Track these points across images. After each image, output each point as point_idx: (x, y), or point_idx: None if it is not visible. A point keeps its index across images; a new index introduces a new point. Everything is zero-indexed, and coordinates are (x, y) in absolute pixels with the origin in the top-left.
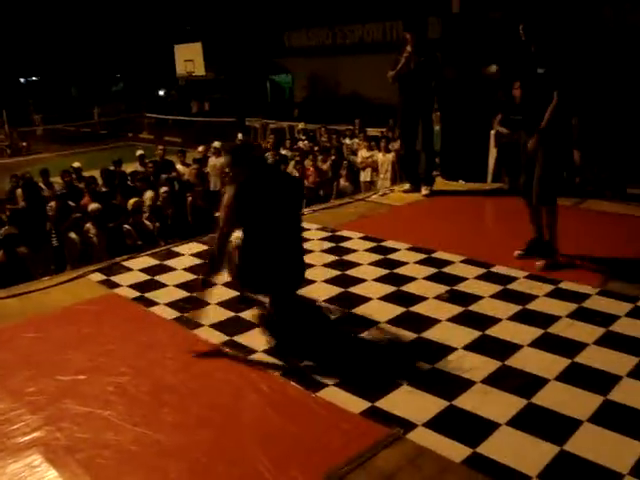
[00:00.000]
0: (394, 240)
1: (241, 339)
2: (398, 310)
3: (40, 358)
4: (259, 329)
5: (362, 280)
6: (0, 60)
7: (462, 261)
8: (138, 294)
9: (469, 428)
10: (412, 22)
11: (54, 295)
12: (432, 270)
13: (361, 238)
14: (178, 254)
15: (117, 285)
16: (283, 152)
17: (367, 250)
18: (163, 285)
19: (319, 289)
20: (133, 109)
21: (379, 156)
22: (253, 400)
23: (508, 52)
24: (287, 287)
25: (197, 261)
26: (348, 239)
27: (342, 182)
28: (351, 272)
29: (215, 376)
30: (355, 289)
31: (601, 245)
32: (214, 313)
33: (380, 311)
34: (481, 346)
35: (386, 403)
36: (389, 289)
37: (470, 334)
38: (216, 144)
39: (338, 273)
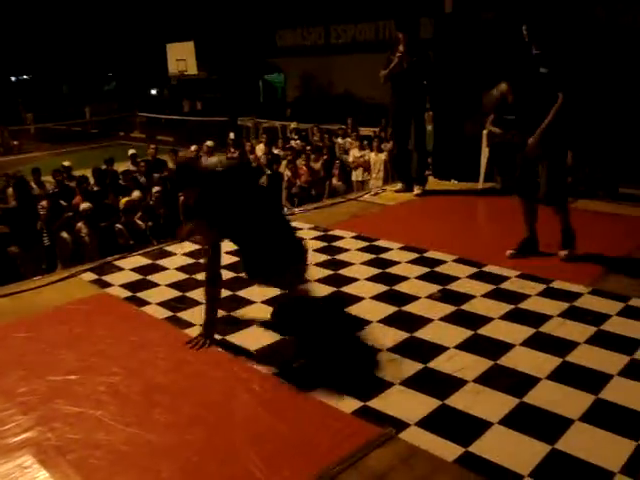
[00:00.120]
0: (386, 239)
1: (233, 338)
2: (390, 309)
3: (31, 358)
4: (252, 328)
5: (354, 279)
6: None
7: (454, 260)
8: (130, 294)
9: (461, 427)
10: (404, 22)
11: (45, 295)
12: (424, 269)
13: (353, 237)
14: (170, 253)
15: (109, 285)
16: (275, 151)
17: (359, 249)
18: (155, 285)
19: (311, 289)
20: (125, 108)
21: (371, 156)
22: (245, 400)
23: (505, 52)
24: (291, 266)
25: (189, 260)
26: (340, 238)
27: (334, 181)
28: (343, 271)
29: (207, 376)
30: (347, 288)
31: (593, 244)
32: None
33: (372, 310)
34: (473, 345)
35: (378, 402)
36: (381, 288)
37: (462, 333)
38: (209, 143)
39: (330, 272)
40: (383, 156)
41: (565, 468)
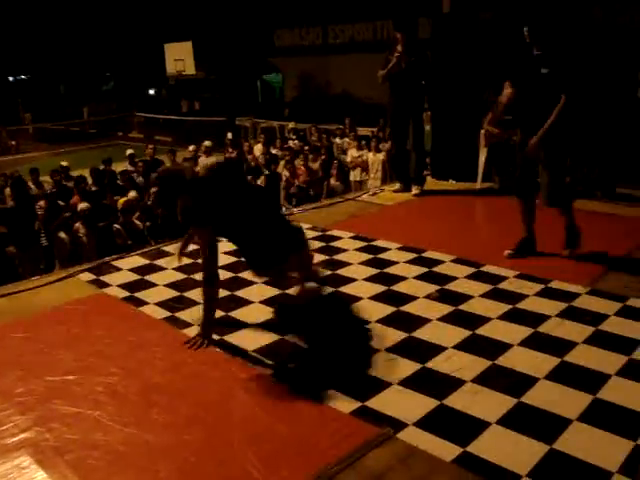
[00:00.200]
0: (384, 239)
1: (231, 339)
2: (388, 309)
3: (29, 358)
4: (250, 328)
5: (352, 279)
6: None
7: (452, 260)
8: (128, 294)
9: (459, 427)
10: (402, 22)
11: (43, 295)
12: (422, 269)
13: (351, 237)
14: (168, 253)
15: (107, 285)
16: (273, 151)
17: (357, 249)
18: (153, 285)
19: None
20: (123, 108)
21: (369, 156)
22: (243, 400)
23: (503, 52)
24: (292, 254)
25: (187, 260)
26: (338, 238)
27: (332, 181)
28: (341, 271)
29: (205, 376)
30: (345, 288)
31: (591, 244)
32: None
33: (370, 310)
34: (471, 345)
35: (376, 403)
36: (379, 288)
37: (460, 333)
38: (207, 143)
39: (328, 273)
40: (381, 156)
41: (563, 468)
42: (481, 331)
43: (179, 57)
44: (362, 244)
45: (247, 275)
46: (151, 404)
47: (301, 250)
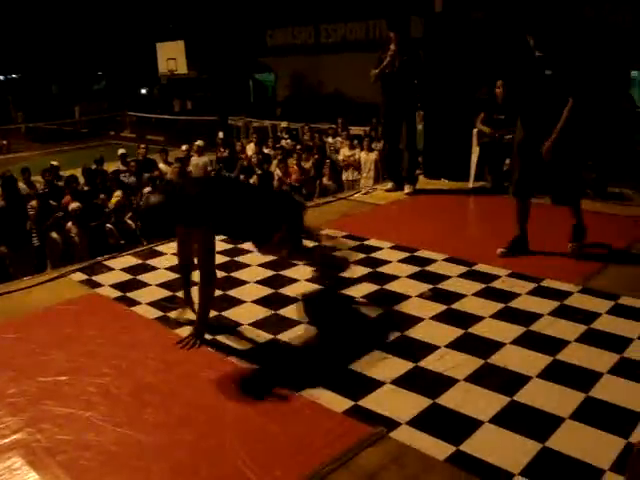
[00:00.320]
0: (377, 239)
1: (224, 338)
2: (381, 308)
3: (21, 359)
4: (243, 327)
5: (345, 279)
6: None
7: (445, 259)
8: (120, 294)
9: (452, 426)
10: (396, 21)
11: (35, 295)
12: (415, 269)
13: (344, 237)
14: (160, 253)
15: (99, 285)
16: (266, 151)
17: (350, 249)
18: (145, 284)
19: (302, 288)
20: (115, 107)
21: (362, 155)
22: (236, 399)
23: (495, 51)
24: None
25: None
26: (331, 238)
27: (325, 181)
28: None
29: (197, 376)
30: (338, 287)
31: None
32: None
33: (363, 310)
34: (464, 344)
35: (369, 402)
36: (372, 287)
37: (453, 332)
38: (199, 143)
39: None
40: (374, 155)
41: (555, 466)
42: (474, 330)
43: (171, 56)
44: (355, 243)
45: (240, 275)
46: (144, 404)
47: (294, 219)
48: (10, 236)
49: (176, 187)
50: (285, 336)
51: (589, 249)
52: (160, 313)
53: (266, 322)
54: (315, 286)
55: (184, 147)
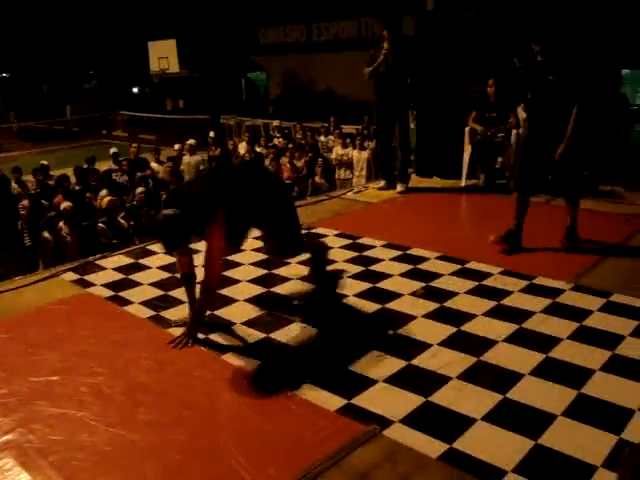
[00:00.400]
0: (369, 237)
1: (217, 337)
2: (374, 307)
3: (12, 359)
4: (235, 326)
5: (338, 277)
6: None
7: (437, 257)
8: (112, 293)
9: (445, 424)
10: (389, 19)
11: (26, 295)
12: (407, 267)
13: (336, 235)
14: (152, 252)
15: (91, 284)
16: (258, 150)
17: (342, 247)
18: (137, 284)
19: (295, 287)
20: (106, 106)
21: (354, 153)
22: (229, 398)
23: (486, 49)
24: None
25: (172, 259)
26: (323, 236)
27: (317, 179)
28: (327, 269)
29: (190, 375)
30: (331, 286)
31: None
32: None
33: (356, 308)
34: (456, 342)
35: (362, 400)
36: (364, 286)
37: (445, 330)
38: (191, 142)
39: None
40: (366, 154)
41: (548, 463)
42: (466, 328)
43: (163, 55)
44: (347, 242)
45: (233, 274)
46: (136, 404)
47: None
48: (1, 236)
49: (184, 194)
50: (278, 335)
51: (581, 247)
52: (152, 312)
53: (259, 321)
54: (308, 285)
55: (177, 146)
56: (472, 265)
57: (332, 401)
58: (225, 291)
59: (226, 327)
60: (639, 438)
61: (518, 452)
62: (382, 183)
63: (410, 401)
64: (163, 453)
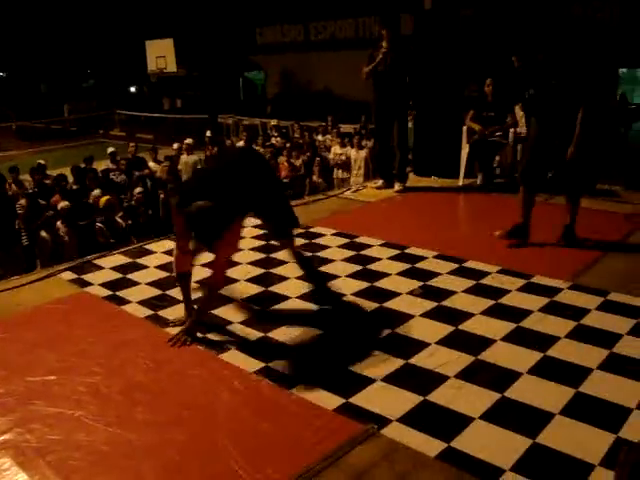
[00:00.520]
0: (367, 236)
1: (214, 337)
2: (371, 306)
3: (9, 359)
4: (233, 325)
5: (335, 276)
6: None
7: (435, 256)
8: (110, 292)
9: (443, 423)
10: (388, 18)
11: (24, 294)
12: (405, 266)
13: (334, 234)
14: (150, 252)
15: (88, 284)
16: (256, 149)
17: (340, 246)
18: (135, 283)
19: (292, 286)
20: (104, 106)
21: (352, 152)
22: (226, 398)
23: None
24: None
25: (169, 259)
26: (321, 235)
27: (315, 178)
28: (324, 268)
29: (188, 374)
30: (328, 285)
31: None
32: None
33: (353, 307)
34: (454, 341)
35: (360, 399)
36: (362, 285)
37: (443, 329)
38: (188, 141)
39: (312, 269)
40: (364, 153)
41: (546, 462)
42: (464, 327)
43: (160, 54)
44: (345, 241)
45: (230, 273)
46: (134, 403)
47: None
48: None
49: (211, 185)
50: (275, 334)
51: (579, 246)
52: (150, 312)
53: (257, 320)
54: (305, 284)
55: (175, 145)
56: (470, 264)
57: (330, 400)
58: (223, 290)
59: (224, 326)
60: (637, 436)
61: (516, 451)
62: (380, 182)
63: (408, 400)
64: (161, 452)
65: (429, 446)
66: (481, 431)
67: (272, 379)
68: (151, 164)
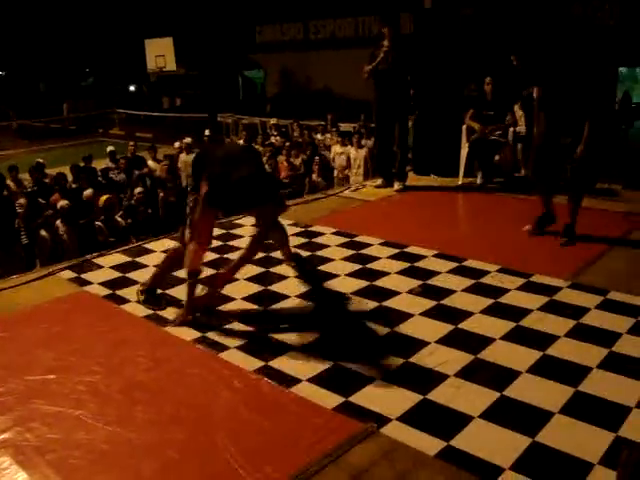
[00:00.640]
0: (367, 235)
1: (213, 336)
2: (371, 305)
3: (8, 358)
4: (233, 325)
5: (335, 275)
6: None
7: (434, 255)
8: (109, 291)
9: (443, 421)
10: (389, 16)
11: (23, 293)
12: (405, 265)
13: (334, 233)
14: (150, 251)
15: (88, 283)
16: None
17: (340, 245)
18: (135, 282)
19: (292, 284)
20: (103, 104)
21: (351, 151)
22: (226, 397)
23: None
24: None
25: None
26: (321, 234)
27: (314, 177)
28: (324, 267)
29: (187, 373)
30: (328, 284)
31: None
32: None
33: (353, 306)
34: (454, 340)
35: (360, 398)
36: (362, 284)
37: (443, 328)
38: (187, 140)
39: (311, 269)
40: (363, 152)
41: (545, 460)
42: (464, 325)
43: (160, 53)
44: (344, 240)
45: None
46: (134, 402)
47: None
48: None
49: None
50: (275, 333)
51: (578, 244)
52: (149, 311)
53: (256, 319)
54: (305, 283)
55: (176, 144)
56: (469, 263)
57: (329, 399)
58: (223, 290)
59: (223, 325)
60: (636, 435)
61: (515, 450)
62: (379, 181)
63: (407, 399)
64: (160, 451)
65: (429, 445)
66: (481, 430)
67: (271, 378)
68: (150, 163)
